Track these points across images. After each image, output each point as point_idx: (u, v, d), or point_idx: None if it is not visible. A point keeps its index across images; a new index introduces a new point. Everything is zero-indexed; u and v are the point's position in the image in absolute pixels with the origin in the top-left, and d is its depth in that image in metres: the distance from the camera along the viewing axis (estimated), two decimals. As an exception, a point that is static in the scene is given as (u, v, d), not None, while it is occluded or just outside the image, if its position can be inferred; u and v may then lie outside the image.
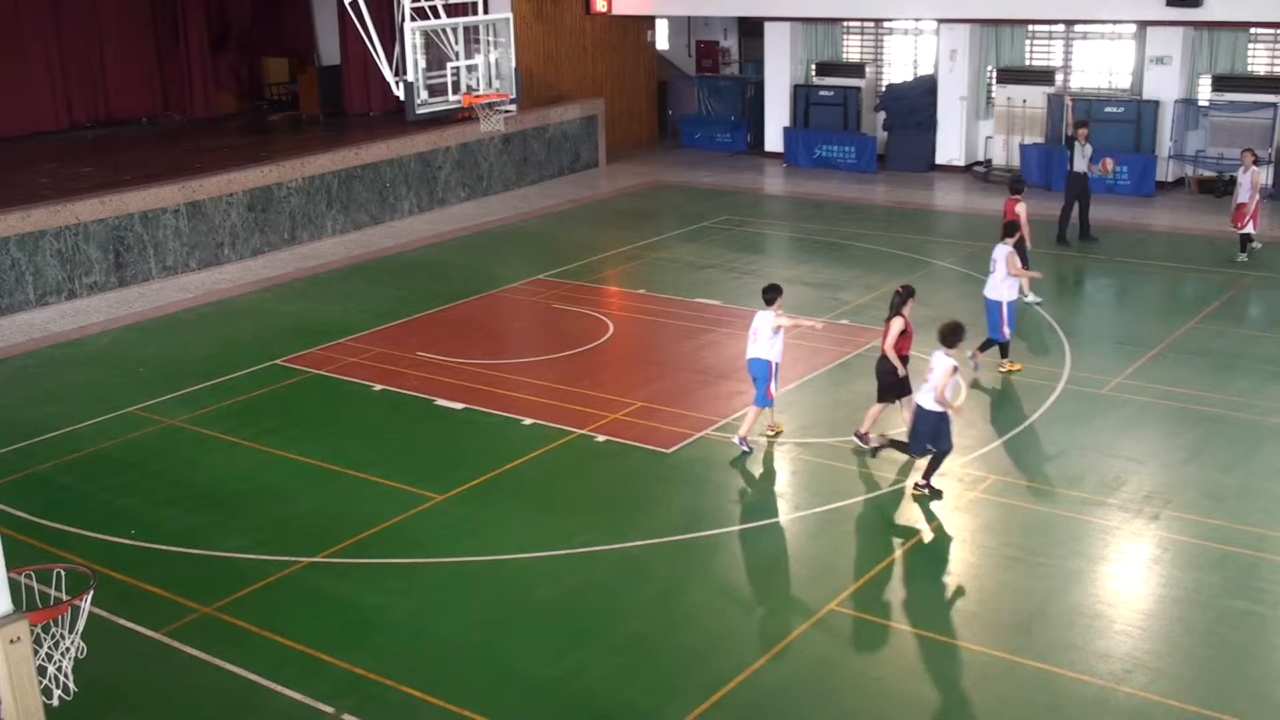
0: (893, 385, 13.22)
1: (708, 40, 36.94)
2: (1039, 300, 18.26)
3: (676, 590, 10.82)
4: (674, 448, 13.68)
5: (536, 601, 10.71)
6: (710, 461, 13.37)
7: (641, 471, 13.23)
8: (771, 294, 13.42)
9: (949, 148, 29.48)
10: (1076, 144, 22.02)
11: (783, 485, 12.93)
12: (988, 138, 29.32)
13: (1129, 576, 10.93)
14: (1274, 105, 25.71)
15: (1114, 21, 27.06)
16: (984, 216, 23.81)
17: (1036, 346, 16.69)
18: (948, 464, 12.75)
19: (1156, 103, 26.63)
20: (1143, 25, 26.60)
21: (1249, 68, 26.92)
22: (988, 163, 29.12)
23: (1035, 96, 27.84)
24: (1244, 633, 9.95)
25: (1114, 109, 27.01)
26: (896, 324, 13.04)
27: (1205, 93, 27.01)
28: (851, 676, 9.54)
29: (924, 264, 20.88)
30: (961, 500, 12.29)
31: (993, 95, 29.18)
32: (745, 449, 13.48)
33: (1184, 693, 9.15)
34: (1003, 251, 15.58)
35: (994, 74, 29.15)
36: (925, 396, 12.07)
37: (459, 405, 15.08)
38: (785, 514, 12.21)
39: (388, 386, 15.77)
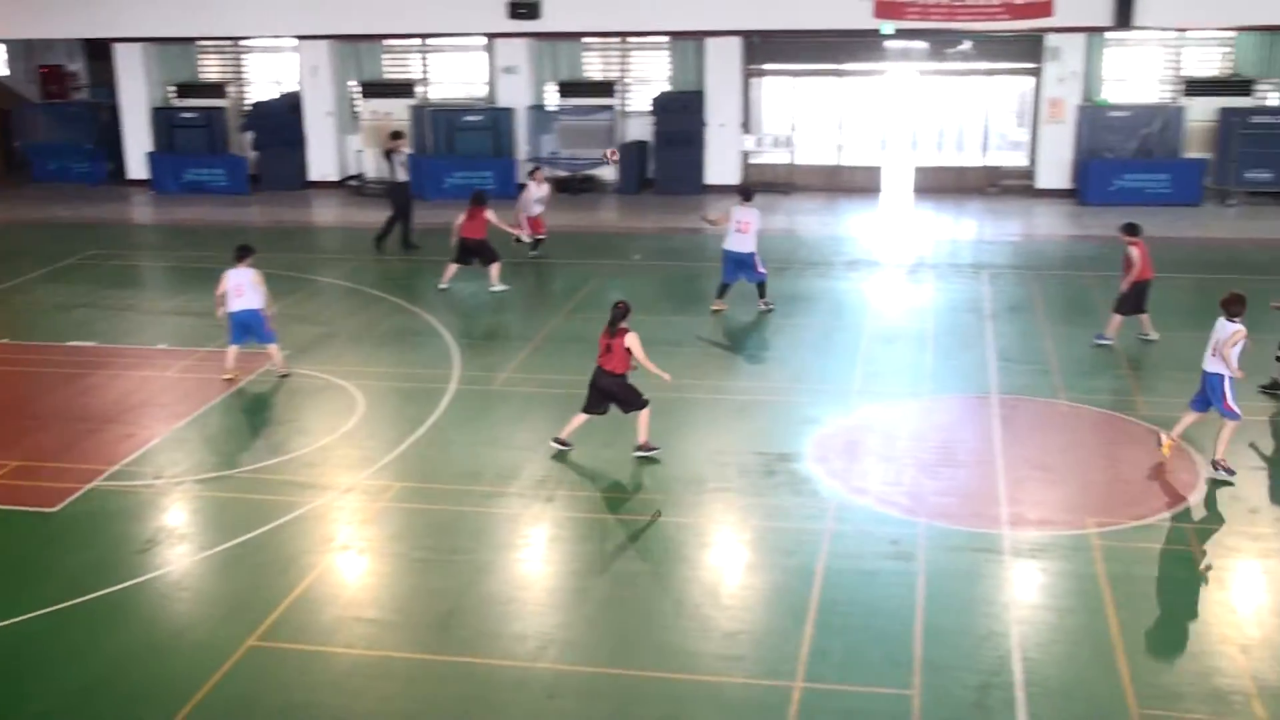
0: None
1: (51, 64, 34.42)
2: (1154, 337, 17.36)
3: (87, 656, 10.08)
4: (60, 504, 12.70)
5: (-85, 701, 9.55)
6: (105, 513, 12.56)
7: (25, 536, 12.16)
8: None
9: (321, 164, 29.59)
10: (395, 156, 22.84)
11: (185, 526, 12.42)
12: (358, 151, 29.71)
13: (535, 559, 11.60)
14: (611, 108, 28.17)
15: (462, 34, 28.38)
16: (362, 230, 24.10)
17: (425, 352, 17.19)
18: (355, 479, 12.90)
19: (511, 110, 28.27)
20: (491, 37, 28.11)
21: (587, 74, 29.29)
22: (360, 176, 29.52)
23: (399, 109, 28.59)
24: (639, 590, 10.89)
25: (474, 118, 28.38)
26: None
27: (553, 99, 29.05)
28: (278, 708, 9.37)
29: (309, 282, 20.81)
30: (368, 512, 12.44)
31: (358, 109, 29.61)
32: None
33: (595, 657, 9.87)
34: None
35: (357, 88, 29.59)
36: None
37: None
38: (192, 555, 11.74)
39: None
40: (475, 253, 20.03)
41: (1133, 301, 16.83)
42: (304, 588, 11.04)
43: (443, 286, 20.09)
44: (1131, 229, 16.91)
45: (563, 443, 13.71)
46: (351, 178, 29.58)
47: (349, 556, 11.66)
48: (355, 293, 20.09)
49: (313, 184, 29.46)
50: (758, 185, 27.98)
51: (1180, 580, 11.01)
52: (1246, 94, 26.54)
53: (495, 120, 28.12)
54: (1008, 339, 17.59)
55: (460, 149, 28.13)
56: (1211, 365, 12.95)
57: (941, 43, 27.33)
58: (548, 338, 17.73)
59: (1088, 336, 17.36)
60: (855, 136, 29.72)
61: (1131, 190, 25.93)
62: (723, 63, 27.84)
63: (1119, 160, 26.30)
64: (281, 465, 13.63)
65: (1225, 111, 26.01)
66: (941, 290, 20.24)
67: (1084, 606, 10.56)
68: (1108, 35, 26.59)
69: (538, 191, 21.69)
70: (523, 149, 28.31)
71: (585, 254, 22.07)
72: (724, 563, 11.53)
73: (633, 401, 13.53)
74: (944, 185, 28.15)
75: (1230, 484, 12.71)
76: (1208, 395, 13.04)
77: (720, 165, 28.36)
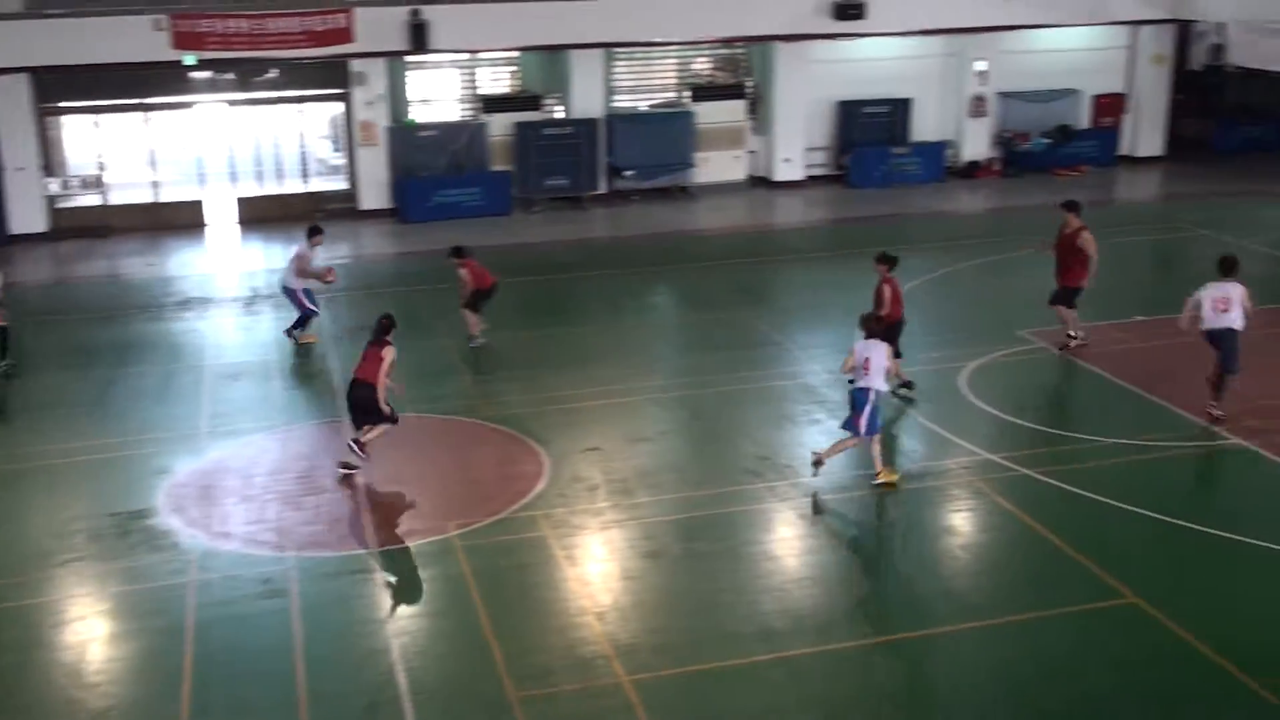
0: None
1: None
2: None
3: None
4: None
5: None
6: None
7: None
8: None
9: None
10: None
11: None
12: None
13: None
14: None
15: None
16: None
17: None
18: None
19: None
20: None
21: None
22: None
23: None
24: (-12, 690, 9.92)
25: None
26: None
27: None
28: None
29: None
30: None
31: None
32: None
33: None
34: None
35: None
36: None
37: None
38: None
39: None
40: None
41: (475, 304, 18.00)
42: None
43: None
44: (458, 251, 18.00)
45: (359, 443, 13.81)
46: None
47: None
48: None
49: None
50: (68, 231, 26.31)
51: (538, 564, 11.83)
52: (537, 109, 28.78)
53: None
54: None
55: None
56: (863, 380, 13.11)
57: (249, 72, 27.08)
58: None
59: (425, 350, 18.12)
60: (172, 172, 28.70)
61: (448, 205, 27.24)
62: (12, 102, 25.70)
63: (433, 177, 27.52)
64: None
65: (521, 126, 28.04)
66: (281, 320, 20.13)
67: (456, 607, 11.07)
68: (408, 59, 27.70)
69: None
70: None
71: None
72: (84, 638, 10.76)
73: (365, 417, 13.80)
74: (269, 215, 27.90)
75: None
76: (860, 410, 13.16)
77: (24, 212, 26.18)
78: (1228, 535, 12.08)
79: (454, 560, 11.86)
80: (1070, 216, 17.18)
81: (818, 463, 13.31)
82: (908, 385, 15.66)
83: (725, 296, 20.90)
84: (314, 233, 19.15)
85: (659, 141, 28.66)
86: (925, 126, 30.74)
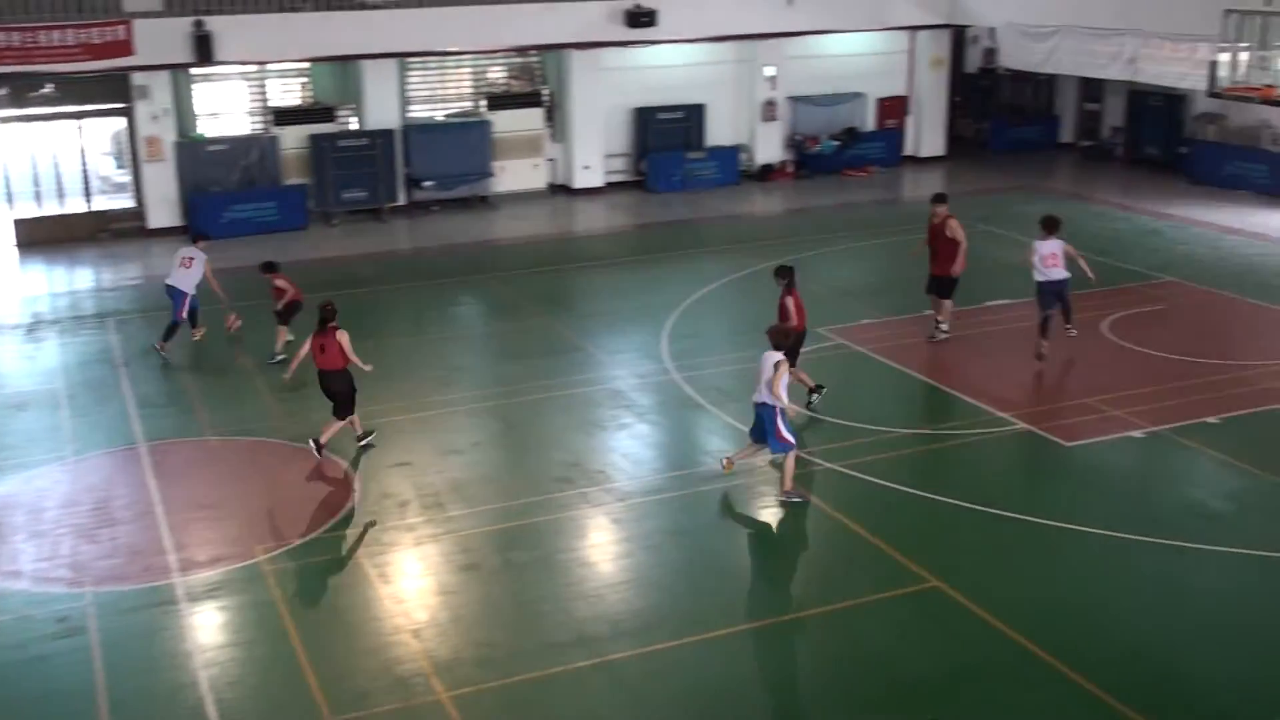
0: None
1: None
2: None
3: None
4: None
5: None
6: None
7: None
8: None
9: None
10: None
11: None
12: None
13: None
14: None
15: None
16: None
17: None
18: None
19: None
20: None
21: None
22: None
23: None
24: None
25: None
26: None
27: None
28: None
29: None
30: None
31: None
32: None
33: None
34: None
35: None
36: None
37: None
38: None
39: None
40: None
41: (284, 317, 17.98)
42: None
43: None
44: (270, 267, 18.05)
45: (320, 445, 14.21)
46: None
47: None
48: None
49: None
50: None
51: (350, 585, 11.62)
52: (330, 120, 28.24)
53: None
54: (146, 385, 17.26)
55: None
56: (761, 396, 12.89)
57: (22, 87, 25.80)
58: None
59: (223, 370, 17.66)
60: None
61: (241, 221, 26.46)
62: None
63: (225, 193, 26.73)
64: None
65: (315, 138, 27.47)
66: (67, 346, 19.27)
67: (266, 634, 10.79)
68: (193, 71, 26.84)
69: None
70: None
71: None
72: None
73: (346, 407, 14.27)
74: (51, 236, 26.62)
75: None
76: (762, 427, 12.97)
77: None
78: (1019, 517, 12.68)
79: (262, 586, 11.56)
80: (938, 208, 18.08)
81: (799, 495, 13.14)
82: (817, 389, 15.64)
83: (529, 305, 20.90)
84: (200, 238, 19.16)
85: (457, 151, 28.44)
86: (720, 131, 31.31)
